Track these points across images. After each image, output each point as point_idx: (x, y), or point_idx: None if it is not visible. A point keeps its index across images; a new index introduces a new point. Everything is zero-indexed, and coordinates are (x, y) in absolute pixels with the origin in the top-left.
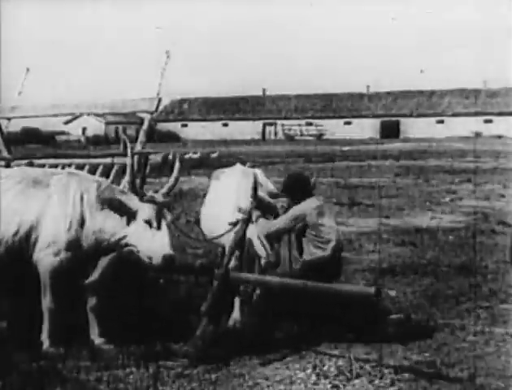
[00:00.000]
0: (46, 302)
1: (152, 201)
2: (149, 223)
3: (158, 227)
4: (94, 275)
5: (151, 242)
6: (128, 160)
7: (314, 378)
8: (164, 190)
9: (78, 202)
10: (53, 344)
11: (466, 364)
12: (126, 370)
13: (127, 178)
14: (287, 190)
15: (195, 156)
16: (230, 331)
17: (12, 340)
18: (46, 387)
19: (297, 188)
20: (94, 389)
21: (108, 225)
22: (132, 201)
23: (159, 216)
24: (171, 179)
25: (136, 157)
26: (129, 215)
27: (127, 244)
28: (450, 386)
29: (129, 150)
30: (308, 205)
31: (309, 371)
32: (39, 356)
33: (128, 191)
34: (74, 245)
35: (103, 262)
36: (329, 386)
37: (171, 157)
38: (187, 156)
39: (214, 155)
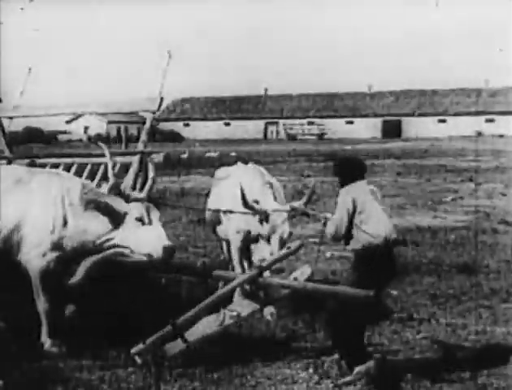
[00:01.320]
0: (41, 303)
1: (138, 199)
2: (141, 220)
3: (150, 223)
4: (77, 275)
5: (147, 238)
6: (108, 163)
7: (316, 377)
8: (145, 191)
9: (60, 203)
10: (53, 344)
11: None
12: (128, 370)
13: (110, 181)
14: (336, 175)
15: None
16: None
17: (12, 339)
18: (48, 386)
19: (345, 172)
20: (97, 389)
21: (92, 227)
22: (119, 203)
23: (149, 211)
24: (149, 180)
25: (137, 157)
26: (117, 218)
27: (114, 246)
28: (452, 385)
29: (107, 154)
30: (355, 189)
31: (311, 371)
32: (40, 356)
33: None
34: (59, 246)
35: (87, 262)
36: (331, 386)
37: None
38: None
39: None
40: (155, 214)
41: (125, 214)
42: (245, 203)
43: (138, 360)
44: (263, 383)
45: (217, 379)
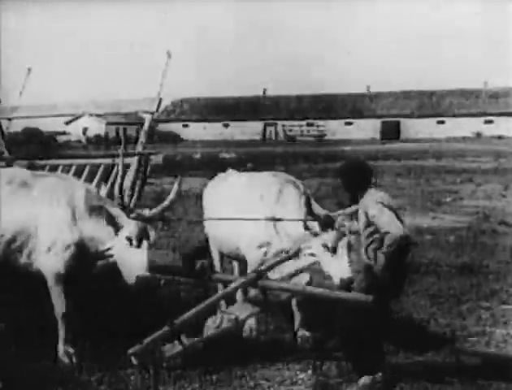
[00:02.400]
0: (58, 307)
1: (139, 218)
2: (130, 240)
3: (138, 246)
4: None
5: (127, 261)
6: (119, 171)
7: (314, 379)
8: (157, 210)
9: (68, 205)
10: (67, 353)
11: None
12: (127, 371)
13: (116, 193)
14: (342, 181)
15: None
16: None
17: (12, 341)
18: (47, 387)
19: (352, 179)
20: None
21: (97, 233)
22: (119, 214)
23: (142, 234)
24: (167, 201)
25: (136, 158)
26: (115, 228)
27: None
28: (451, 386)
29: (121, 163)
30: (370, 199)
31: (310, 372)
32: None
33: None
34: (71, 246)
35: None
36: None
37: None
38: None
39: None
40: (149, 239)
41: (121, 227)
42: (311, 211)
43: (134, 360)
44: (262, 385)
45: (216, 381)
